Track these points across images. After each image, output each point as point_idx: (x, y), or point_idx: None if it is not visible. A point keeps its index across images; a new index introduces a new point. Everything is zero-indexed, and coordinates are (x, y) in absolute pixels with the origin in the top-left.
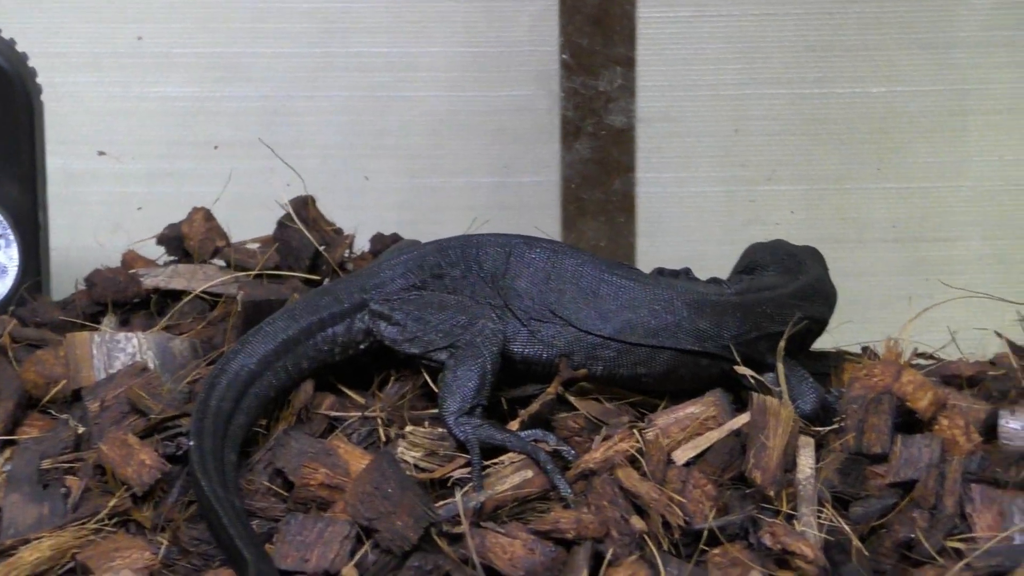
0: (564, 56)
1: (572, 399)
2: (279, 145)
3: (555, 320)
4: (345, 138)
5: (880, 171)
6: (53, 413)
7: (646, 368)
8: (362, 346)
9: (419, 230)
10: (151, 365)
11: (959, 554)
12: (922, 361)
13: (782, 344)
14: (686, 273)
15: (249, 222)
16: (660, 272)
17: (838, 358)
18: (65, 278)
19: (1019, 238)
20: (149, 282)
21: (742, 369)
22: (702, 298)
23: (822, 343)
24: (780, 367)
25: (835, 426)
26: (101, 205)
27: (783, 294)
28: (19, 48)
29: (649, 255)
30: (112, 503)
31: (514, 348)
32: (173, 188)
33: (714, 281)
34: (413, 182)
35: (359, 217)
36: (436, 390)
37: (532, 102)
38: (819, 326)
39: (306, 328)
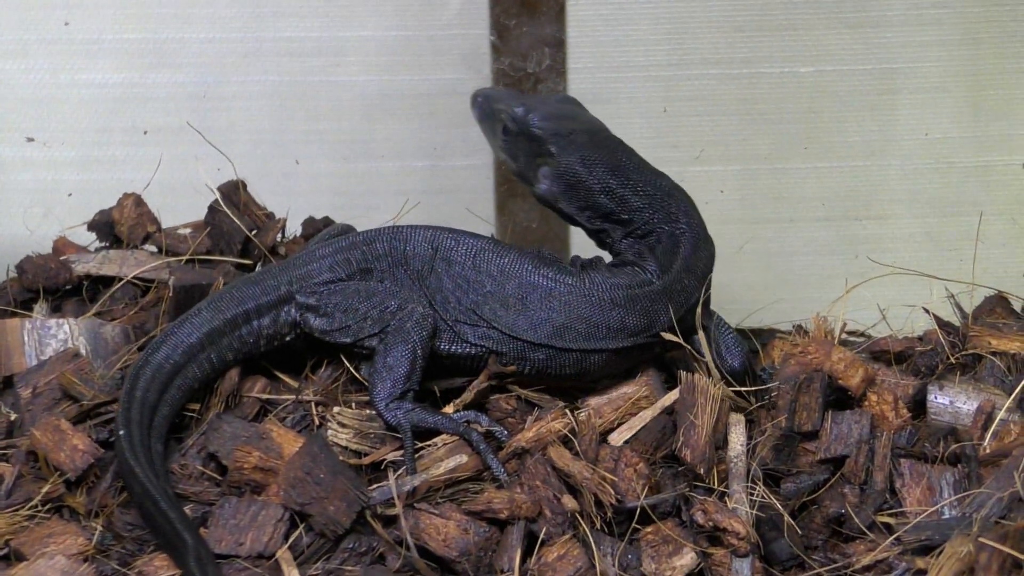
0: (492, 38)
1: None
2: (210, 130)
3: (481, 323)
4: (277, 123)
5: (808, 150)
6: None
7: (578, 368)
8: (288, 338)
9: (352, 214)
10: (83, 351)
11: (889, 529)
12: (853, 338)
13: (699, 311)
14: (600, 261)
15: (180, 208)
16: (574, 261)
17: (769, 335)
18: None
19: (947, 215)
20: (80, 268)
21: (669, 336)
22: (630, 294)
23: (753, 321)
24: (701, 334)
25: (765, 400)
26: (31, 192)
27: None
28: None
29: (580, 236)
30: (45, 489)
31: (440, 345)
32: (103, 174)
33: (632, 264)
34: (346, 166)
35: (292, 202)
36: (360, 378)
37: (463, 85)
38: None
39: (231, 320)
